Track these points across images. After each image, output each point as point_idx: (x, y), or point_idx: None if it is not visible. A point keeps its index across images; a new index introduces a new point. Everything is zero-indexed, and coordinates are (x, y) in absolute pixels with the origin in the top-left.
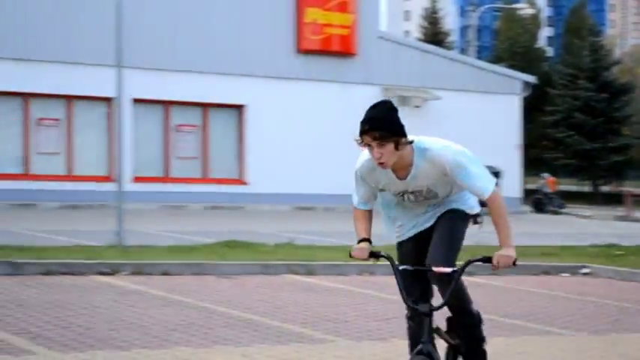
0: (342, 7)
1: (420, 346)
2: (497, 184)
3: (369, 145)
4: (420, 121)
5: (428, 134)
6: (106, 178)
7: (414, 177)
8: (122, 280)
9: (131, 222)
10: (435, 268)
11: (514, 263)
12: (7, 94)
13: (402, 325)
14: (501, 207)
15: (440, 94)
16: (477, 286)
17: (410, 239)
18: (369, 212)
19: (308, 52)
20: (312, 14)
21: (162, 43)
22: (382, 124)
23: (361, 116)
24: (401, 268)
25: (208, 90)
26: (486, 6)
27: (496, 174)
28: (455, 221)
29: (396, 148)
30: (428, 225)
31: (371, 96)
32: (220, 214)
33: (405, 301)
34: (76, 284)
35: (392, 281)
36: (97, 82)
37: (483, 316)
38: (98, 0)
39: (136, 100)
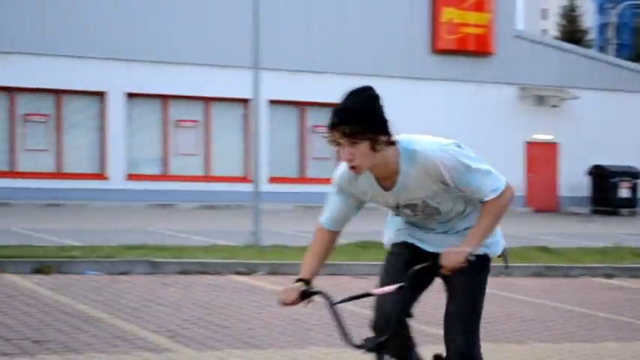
0: (479, 6)
1: None
2: None
3: (338, 143)
4: (558, 120)
5: (565, 134)
6: (243, 179)
7: (402, 187)
8: (259, 280)
9: (267, 222)
10: (374, 291)
11: (468, 261)
12: (147, 96)
13: (536, 327)
14: (501, 205)
15: (578, 93)
16: (617, 289)
17: (408, 246)
18: (334, 237)
19: (444, 51)
20: (448, 14)
21: (297, 44)
22: (355, 117)
23: (496, 116)
24: (335, 302)
25: (343, 90)
26: (626, 3)
27: (636, 174)
28: (473, 279)
29: (373, 148)
30: (437, 250)
31: (507, 96)
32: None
33: (345, 340)
34: (213, 283)
35: (532, 283)
36: (234, 83)
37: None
38: (235, 3)
39: (272, 102)
